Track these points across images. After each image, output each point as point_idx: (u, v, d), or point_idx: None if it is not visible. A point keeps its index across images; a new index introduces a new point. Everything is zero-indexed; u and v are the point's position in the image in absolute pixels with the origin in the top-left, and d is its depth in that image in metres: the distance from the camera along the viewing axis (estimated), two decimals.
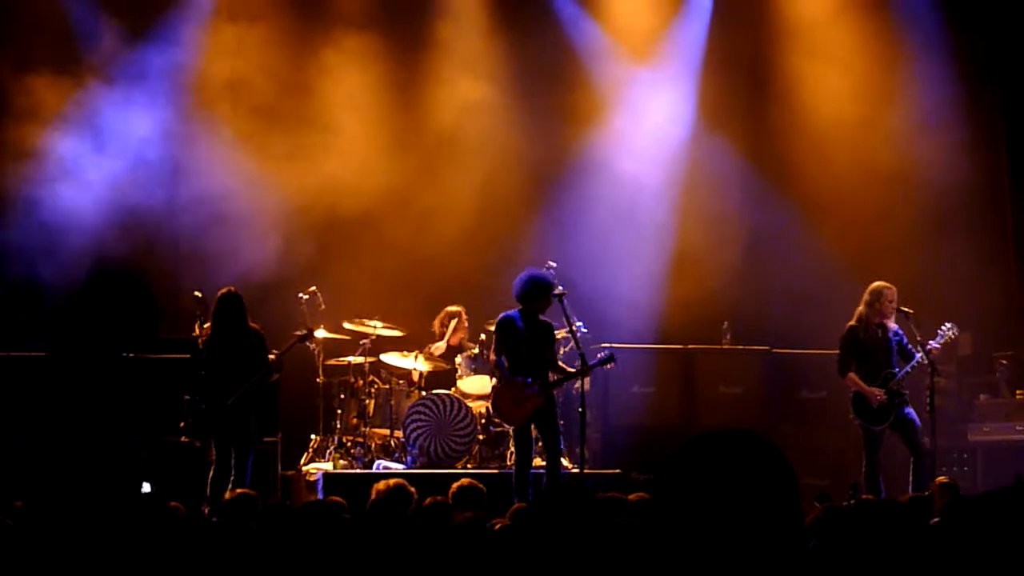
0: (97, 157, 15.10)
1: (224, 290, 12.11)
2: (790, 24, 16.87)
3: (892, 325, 12.98)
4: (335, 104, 15.99)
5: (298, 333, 12.47)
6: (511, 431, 12.81)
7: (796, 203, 16.62)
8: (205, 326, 12.09)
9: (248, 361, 11.93)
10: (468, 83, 16.36)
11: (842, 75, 16.65)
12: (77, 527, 6.23)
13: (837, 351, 13.32)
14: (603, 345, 12.71)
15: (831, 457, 14.79)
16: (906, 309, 12.95)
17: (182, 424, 11.85)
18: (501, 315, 12.46)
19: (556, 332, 12.71)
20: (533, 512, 5.02)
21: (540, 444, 13.20)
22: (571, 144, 16.62)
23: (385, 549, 5.48)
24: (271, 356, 12.27)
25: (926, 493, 10.29)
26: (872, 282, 13.20)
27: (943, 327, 12.86)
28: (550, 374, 12.37)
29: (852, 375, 13.02)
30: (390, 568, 5.41)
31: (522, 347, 12.23)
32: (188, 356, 12.23)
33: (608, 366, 12.55)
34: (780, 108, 16.77)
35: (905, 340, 12.95)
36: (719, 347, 15.67)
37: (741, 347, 15.67)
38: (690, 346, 15.57)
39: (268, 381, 12.17)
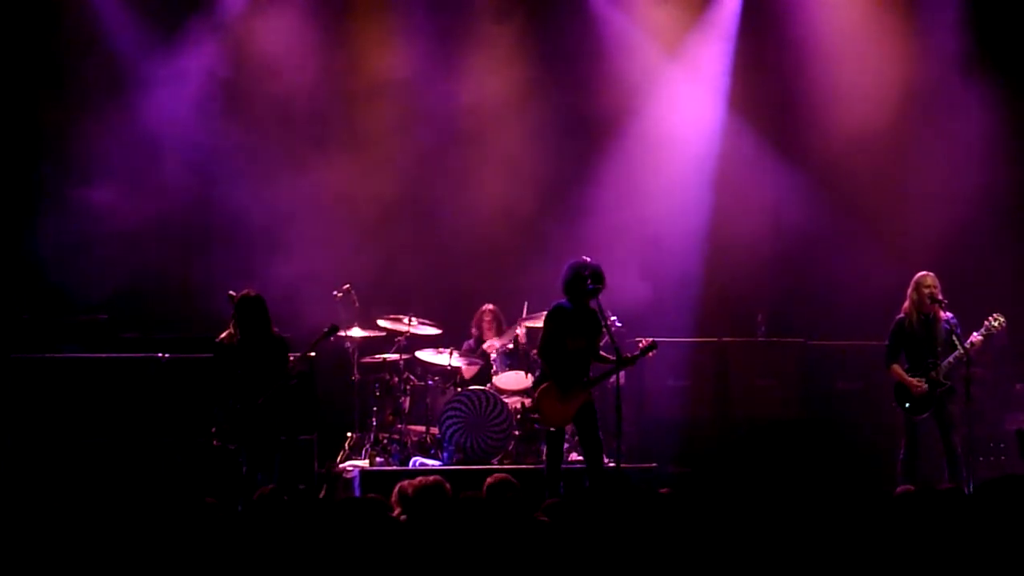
0: (134, 157, 15.27)
1: (244, 292, 11.97)
2: (824, 16, 16.73)
3: (945, 314, 12.88)
4: (356, 95, 16.08)
5: (325, 330, 12.41)
6: None
7: (831, 193, 16.49)
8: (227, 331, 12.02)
9: (268, 366, 11.84)
10: (494, 78, 16.34)
11: (880, 66, 16.46)
12: (115, 527, 6.27)
13: (873, 342, 13.25)
14: (637, 339, 12.63)
15: (867, 449, 14.72)
16: (939, 299, 12.85)
17: (213, 429, 11.82)
18: (554, 304, 12.41)
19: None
20: (581, 507, 5.01)
21: (575, 439, 13.18)
22: (602, 138, 16.57)
23: (424, 545, 5.48)
24: (294, 357, 12.12)
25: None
26: (914, 272, 13.12)
27: (989, 318, 12.79)
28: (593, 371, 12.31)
29: (895, 366, 13.03)
30: (432, 565, 5.41)
31: (568, 340, 12.17)
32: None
33: (651, 354, 12.46)
34: (815, 100, 16.60)
35: (959, 330, 12.85)
36: (754, 339, 15.61)
37: (776, 339, 15.60)
38: (724, 339, 15.51)
39: (290, 384, 12.03)
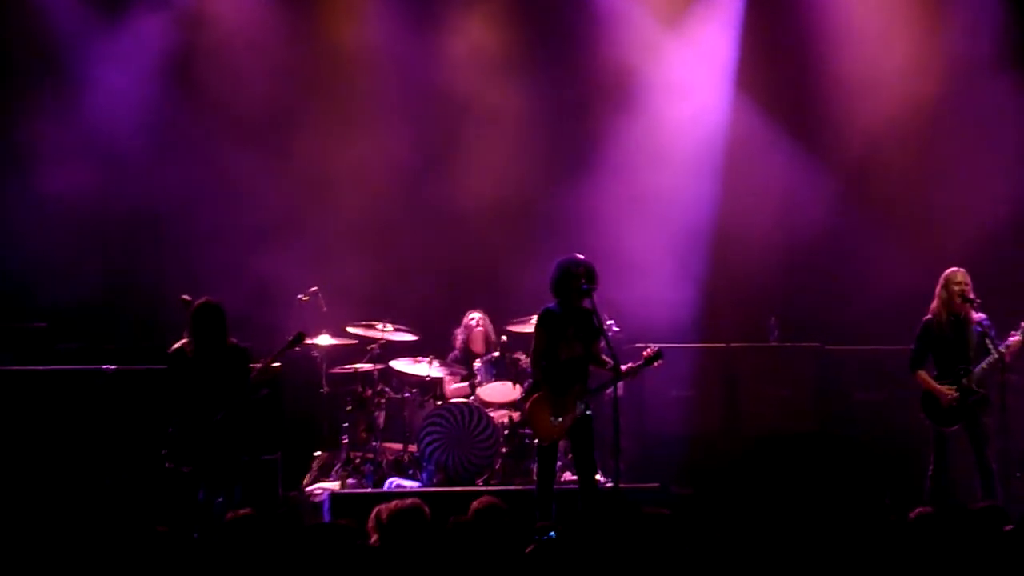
0: (81, 149, 15.22)
1: (202, 300, 11.90)
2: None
3: (977, 315, 12.84)
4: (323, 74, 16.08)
5: (290, 338, 12.35)
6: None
7: (851, 184, 16.50)
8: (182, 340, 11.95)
9: (227, 379, 11.78)
10: (478, 59, 16.34)
11: (908, 49, 16.44)
12: (55, 558, 6.19)
13: (897, 347, 13.22)
14: (640, 346, 12.59)
15: (892, 466, 14.68)
16: (971, 298, 12.80)
17: (164, 451, 11.75)
18: (543, 308, 12.34)
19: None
20: (575, 530, 4.97)
21: (569, 456, 13.12)
22: (598, 124, 16.57)
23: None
24: (257, 366, 12.06)
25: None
26: (943, 269, 13.08)
27: None
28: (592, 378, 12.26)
29: (922, 373, 12.99)
30: None
31: (561, 347, 12.11)
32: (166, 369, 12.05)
33: (656, 364, 12.40)
34: (834, 82, 16.58)
35: (992, 332, 12.81)
36: (765, 345, 15.60)
37: (789, 344, 15.59)
38: (733, 344, 15.50)
39: (257, 397, 12.01)
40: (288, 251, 15.31)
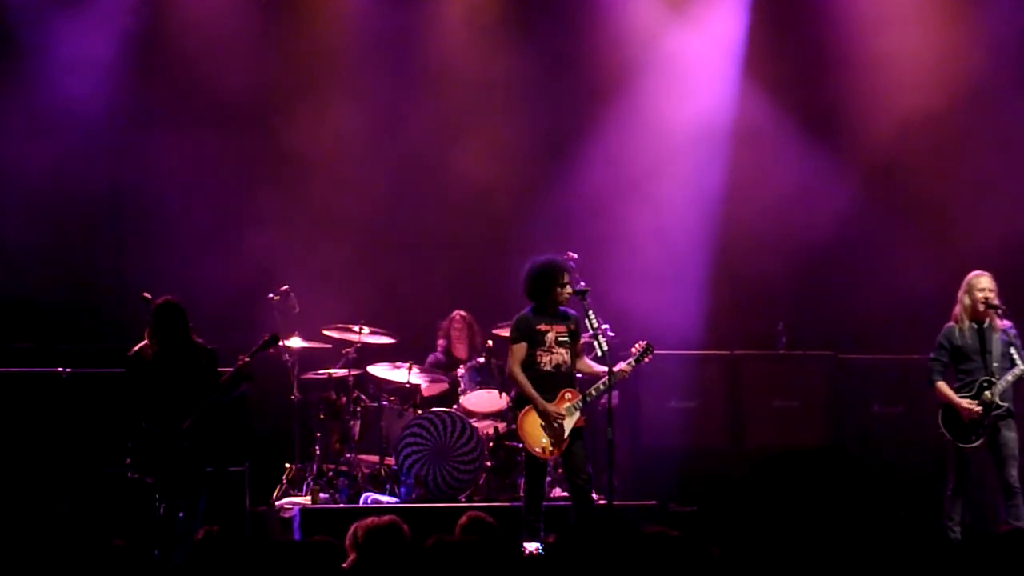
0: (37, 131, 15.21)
1: (162, 299, 11.89)
2: None
3: (1003, 323, 12.85)
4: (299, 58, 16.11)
5: (264, 339, 12.34)
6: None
7: (868, 181, 16.49)
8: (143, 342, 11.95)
9: (193, 383, 11.79)
10: (465, 41, 16.36)
11: (932, 38, 16.41)
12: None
13: (915, 356, 13.24)
14: (633, 350, 12.61)
15: (909, 485, 14.72)
16: (996, 304, 12.80)
17: (128, 460, 11.75)
18: (517, 316, 12.37)
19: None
20: (567, 551, 4.99)
21: (559, 471, 13.14)
22: (595, 114, 16.59)
23: None
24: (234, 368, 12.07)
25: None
26: (966, 273, 13.07)
27: None
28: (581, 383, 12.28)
29: (941, 384, 12.93)
30: None
31: (540, 356, 12.14)
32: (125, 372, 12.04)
33: (647, 359, 12.43)
34: (852, 71, 16.54)
35: (1019, 342, 12.81)
36: (773, 352, 15.63)
37: (799, 352, 15.62)
38: (738, 352, 15.53)
39: (231, 397, 12.01)
40: (259, 247, 15.30)
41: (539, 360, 12.09)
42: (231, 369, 11.93)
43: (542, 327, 12.10)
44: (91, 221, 15.64)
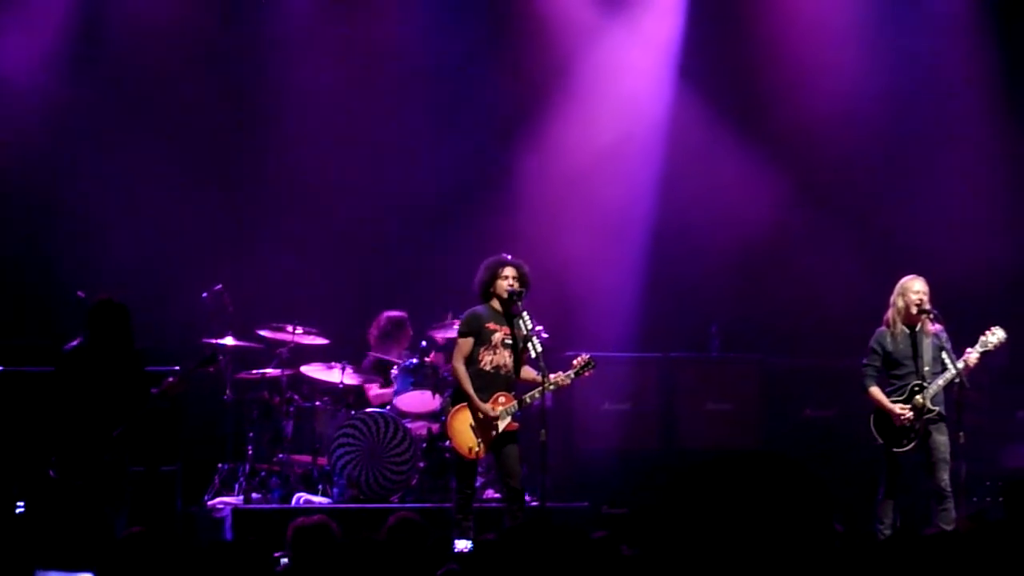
0: None
1: (101, 297, 11.63)
2: None
3: (933, 328, 12.90)
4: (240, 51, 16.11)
5: (205, 355, 12.27)
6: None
7: (803, 183, 16.52)
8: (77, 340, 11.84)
9: (126, 388, 11.53)
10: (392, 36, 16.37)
11: (869, 34, 16.50)
12: None
13: (848, 361, 13.30)
14: (568, 354, 12.68)
15: (840, 489, 14.82)
16: (928, 308, 12.85)
17: (53, 459, 11.59)
18: (467, 311, 12.42)
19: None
20: (499, 554, 5.04)
21: (492, 473, 13.20)
22: (528, 112, 16.61)
23: None
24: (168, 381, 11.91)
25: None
26: (899, 277, 13.12)
27: (986, 332, 12.84)
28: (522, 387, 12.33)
29: (874, 389, 12.96)
30: None
31: (484, 355, 12.23)
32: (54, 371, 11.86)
33: (587, 374, 12.43)
34: (788, 71, 16.61)
35: (950, 346, 12.90)
36: (706, 356, 15.71)
37: (732, 356, 15.72)
38: (671, 355, 15.59)
39: (153, 408, 11.79)
40: (192, 245, 15.27)
41: (480, 358, 12.17)
42: (170, 381, 11.73)
43: (491, 326, 12.20)
44: (23, 214, 15.47)
